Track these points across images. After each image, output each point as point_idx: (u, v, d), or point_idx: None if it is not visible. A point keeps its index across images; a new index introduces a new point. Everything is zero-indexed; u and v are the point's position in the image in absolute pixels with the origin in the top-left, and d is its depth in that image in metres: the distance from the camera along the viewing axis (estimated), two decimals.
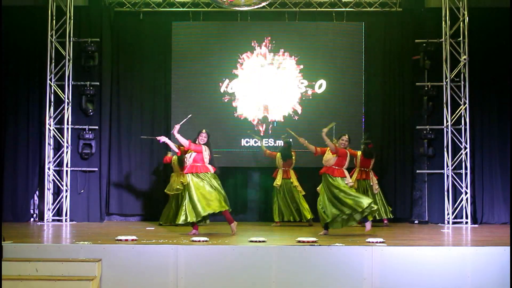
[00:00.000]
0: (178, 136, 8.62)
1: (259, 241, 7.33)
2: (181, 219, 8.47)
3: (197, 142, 8.64)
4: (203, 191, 8.50)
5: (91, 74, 11.02)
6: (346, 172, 8.62)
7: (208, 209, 8.45)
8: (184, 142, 8.58)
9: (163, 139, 8.93)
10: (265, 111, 11.39)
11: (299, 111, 11.39)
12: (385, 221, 10.32)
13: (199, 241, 7.36)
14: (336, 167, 8.55)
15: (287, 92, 11.41)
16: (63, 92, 10.72)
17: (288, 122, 11.28)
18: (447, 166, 10.73)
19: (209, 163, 8.66)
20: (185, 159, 8.70)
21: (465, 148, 10.65)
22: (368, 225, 8.55)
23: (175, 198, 10.26)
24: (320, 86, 11.41)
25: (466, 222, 10.55)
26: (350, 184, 8.59)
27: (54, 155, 10.84)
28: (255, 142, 11.22)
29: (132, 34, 11.56)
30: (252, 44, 11.42)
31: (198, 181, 8.53)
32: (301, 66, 11.40)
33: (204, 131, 8.71)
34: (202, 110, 11.30)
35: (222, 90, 11.39)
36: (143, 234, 8.45)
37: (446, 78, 10.74)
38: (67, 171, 10.76)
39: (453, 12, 10.69)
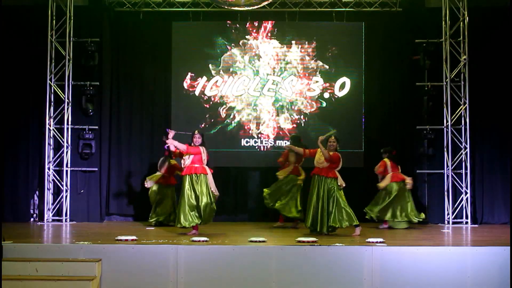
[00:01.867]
0: (175, 142, 8.66)
1: (259, 241, 7.34)
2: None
3: (192, 144, 8.67)
4: (192, 201, 8.56)
5: (91, 74, 11.00)
6: (337, 173, 8.62)
7: (193, 222, 8.57)
8: (182, 147, 8.63)
9: (171, 140, 8.71)
10: (265, 110, 11.39)
11: (300, 111, 11.39)
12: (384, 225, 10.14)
13: (199, 241, 7.37)
14: (330, 169, 8.57)
15: (288, 92, 11.41)
16: (63, 92, 10.72)
17: (287, 123, 11.31)
18: (447, 166, 10.73)
19: (206, 164, 8.69)
20: (182, 161, 8.75)
21: (465, 148, 10.65)
22: (357, 229, 8.60)
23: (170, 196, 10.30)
24: (320, 86, 11.39)
25: (466, 222, 10.55)
26: (343, 186, 8.58)
27: (54, 155, 10.83)
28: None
29: (132, 34, 11.56)
30: (253, 43, 11.44)
31: (191, 187, 8.58)
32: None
33: (197, 132, 8.75)
34: (202, 110, 11.32)
35: (222, 90, 11.38)
36: (143, 234, 8.46)
37: (446, 78, 10.74)
38: (67, 171, 10.76)
39: (453, 12, 10.70)
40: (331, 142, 8.68)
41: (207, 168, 8.69)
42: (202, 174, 8.61)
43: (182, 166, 8.77)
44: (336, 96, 11.37)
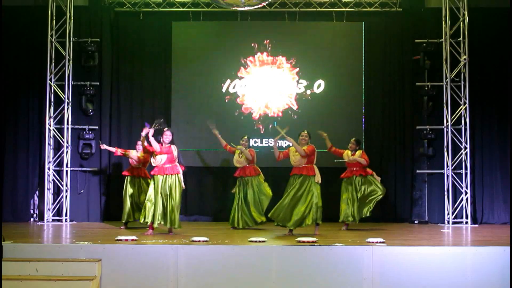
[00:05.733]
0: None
1: (259, 241, 7.34)
2: None
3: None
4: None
5: (91, 74, 11.02)
6: (316, 169, 8.63)
7: None
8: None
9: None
10: (266, 111, 11.39)
11: (298, 111, 11.37)
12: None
13: (199, 241, 7.36)
14: (309, 165, 8.59)
15: (287, 93, 11.41)
16: (63, 92, 10.72)
17: (287, 123, 11.28)
18: (447, 166, 10.73)
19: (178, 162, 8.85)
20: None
21: (465, 148, 10.65)
22: (316, 228, 8.70)
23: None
24: (319, 86, 11.38)
25: (466, 222, 10.55)
26: (319, 182, 8.60)
27: (54, 155, 10.84)
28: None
29: (132, 34, 11.56)
30: (252, 45, 11.42)
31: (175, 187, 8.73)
32: (297, 69, 11.39)
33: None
34: (202, 110, 11.31)
35: (223, 90, 11.37)
36: (143, 234, 8.46)
37: (446, 78, 10.75)
38: (67, 171, 10.76)
39: (453, 12, 10.70)
40: (303, 137, 8.60)
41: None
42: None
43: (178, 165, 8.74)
44: (338, 96, 11.36)
